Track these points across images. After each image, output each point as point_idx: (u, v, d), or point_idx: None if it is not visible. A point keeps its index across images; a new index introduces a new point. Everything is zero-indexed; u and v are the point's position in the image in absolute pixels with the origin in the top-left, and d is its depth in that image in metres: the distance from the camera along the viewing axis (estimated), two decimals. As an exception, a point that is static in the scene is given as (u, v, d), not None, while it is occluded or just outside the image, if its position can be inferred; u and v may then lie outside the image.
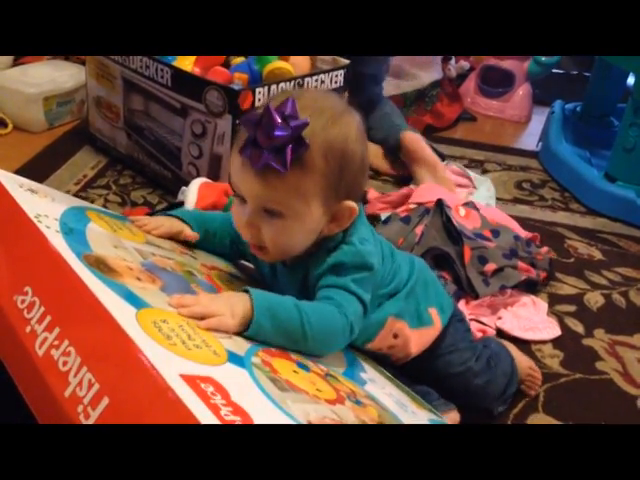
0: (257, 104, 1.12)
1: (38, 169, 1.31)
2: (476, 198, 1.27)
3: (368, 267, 0.67)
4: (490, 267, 1.04)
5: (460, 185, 1.34)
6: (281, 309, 0.60)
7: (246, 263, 0.86)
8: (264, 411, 0.48)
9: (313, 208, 0.63)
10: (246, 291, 0.60)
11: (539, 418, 0.84)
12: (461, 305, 1.00)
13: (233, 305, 0.58)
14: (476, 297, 1.01)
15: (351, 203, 0.66)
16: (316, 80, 1.20)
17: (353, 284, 0.65)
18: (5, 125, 1.49)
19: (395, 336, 0.76)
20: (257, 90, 1.11)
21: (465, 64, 2.02)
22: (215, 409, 0.44)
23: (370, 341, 0.74)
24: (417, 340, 0.77)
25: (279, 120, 0.58)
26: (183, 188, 1.08)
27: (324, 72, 1.22)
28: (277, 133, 0.58)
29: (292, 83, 1.16)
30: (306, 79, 1.18)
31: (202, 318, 0.55)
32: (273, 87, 1.13)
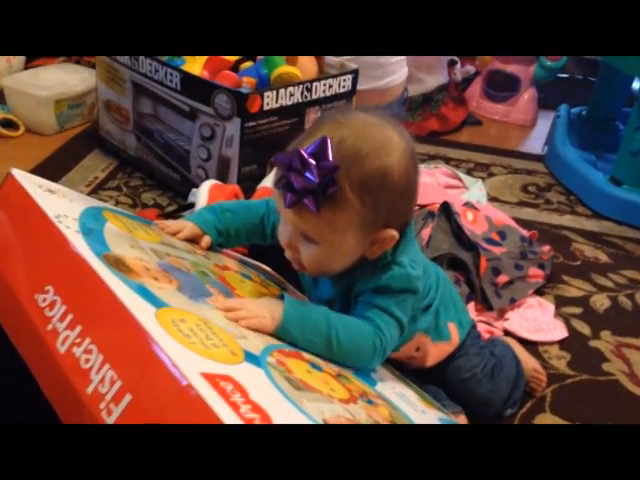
0: (265, 108, 1.13)
1: (49, 171, 1.32)
2: (469, 198, 1.29)
3: (413, 291, 0.68)
4: (502, 279, 1.05)
5: (451, 186, 1.35)
6: (311, 322, 0.62)
7: (260, 264, 0.88)
8: (282, 409, 0.49)
9: (349, 238, 0.63)
10: (282, 297, 0.63)
11: (546, 418, 0.85)
12: (471, 307, 1.01)
13: (273, 308, 0.61)
14: (489, 309, 1.02)
15: (391, 232, 0.64)
16: (324, 85, 1.21)
17: (396, 308, 0.66)
18: (17, 127, 1.51)
19: (417, 349, 0.77)
20: (265, 94, 1.12)
21: (471, 68, 2.03)
22: (235, 407, 0.45)
23: (394, 352, 0.74)
24: (434, 354, 0.79)
25: (311, 163, 0.58)
26: (194, 190, 1.09)
27: (332, 77, 1.23)
28: (308, 177, 0.58)
29: (300, 87, 1.17)
30: (314, 84, 1.19)
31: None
32: (281, 91, 1.14)
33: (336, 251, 0.65)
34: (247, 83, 1.18)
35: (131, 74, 1.29)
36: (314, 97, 1.20)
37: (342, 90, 1.25)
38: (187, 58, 1.24)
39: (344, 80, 1.25)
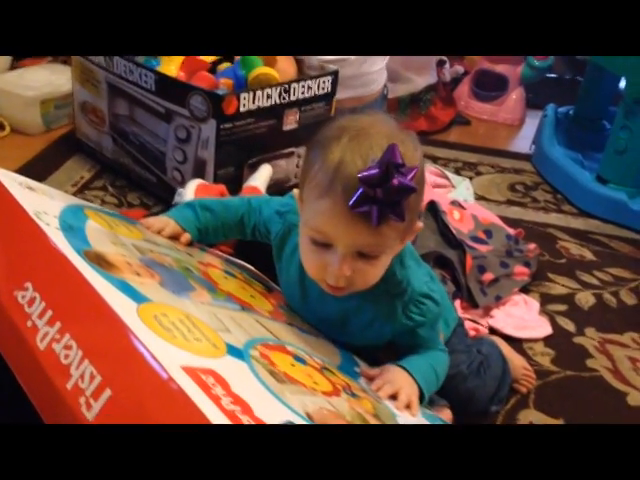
0: (242, 109, 1.12)
1: (35, 171, 1.31)
2: (456, 196, 1.29)
3: (441, 314, 0.74)
4: (488, 277, 1.05)
5: (439, 185, 1.36)
6: (432, 380, 0.72)
7: (244, 263, 0.88)
8: (264, 402, 0.49)
9: (400, 240, 0.64)
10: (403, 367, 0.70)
11: (530, 414, 0.85)
12: (456, 305, 1.01)
13: (412, 383, 0.69)
14: (475, 306, 1.02)
15: (420, 222, 0.66)
16: (303, 86, 1.20)
17: (437, 334, 0.75)
18: (2, 128, 1.50)
19: None
20: (242, 95, 1.11)
21: (459, 68, 2.04)
22: (216, 399, 0.45)
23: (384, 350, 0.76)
24: None
25: (400, 176, 0.57)
26: (180, 190, 1.09)
27: (311, 78, 1.22)
28: (405, 182, 0.57)
29: (278, 89, 1.16)
30: (292, 85, 1.18)
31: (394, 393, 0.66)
32: (258, 92, 1.13)
33: (389, 258, 0.64)
34: (224, 85, 1.17)
35: (106, 75, 1.28)
36: (292, 99, 1.19)
37: (321, 92, 1.24)
38: (163, 59, 1.22)
39: (323, 82, 1.24)
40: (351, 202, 0.57)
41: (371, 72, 1.50)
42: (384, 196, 0.57)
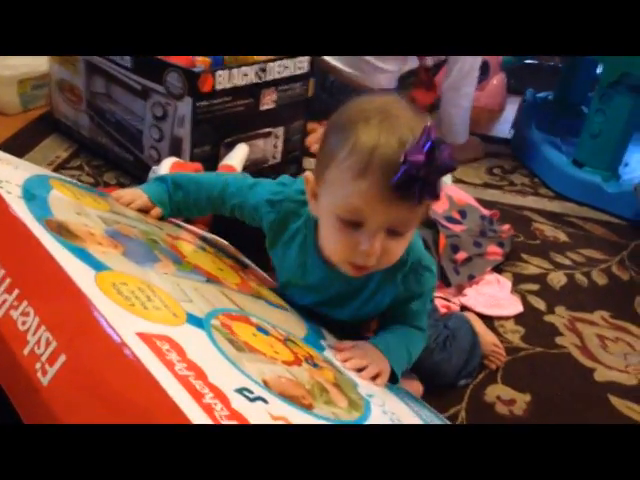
0: (218, 87, 1.11)
1: (11, 151, 1.27)
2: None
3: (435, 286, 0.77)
4: (461, 256, 1.06)
5: None
6: (404, 361, 0.73)
7: (217, 238, 0.88)
8: (219, 368, 0.49)
9: None
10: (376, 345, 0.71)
11: (497, 389, 0.86)
12: (429, 283, 1.02)
13: (384, 361, 0.70)
14: (448, 285, 1.03)
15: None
16: (279, 65, 1.19)
17: (429, 304, 0.77)
18: (-22, 107, 1.49)
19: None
20: (217, 73, 1.10)
21: (441, 53, 2.04)
22: (169, 365, 0.45)
23: (367, 321, 0.78)
24: None
25: (445, 154, 0.58)
26: (154, 167, 1.08)
27: (288, 58, 1.21)
28: (442, 167, 0.58)
29: (254, 68, 1.15)
30: (269, 64, 1.18)
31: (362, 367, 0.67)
32: (234, 70, 1.13)
33: (412, 235, 0.66)
34: (201, 62, 1.17)
35: (83, 52, 1.27)
36: (269, 78, 1.19)
37: (298, 72, 1.24)
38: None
39: (300, 62, 1.23)
40: (394, 181, 0.58)
41: (382, 70, 1.51)
42: (426, 175, 0.58)
